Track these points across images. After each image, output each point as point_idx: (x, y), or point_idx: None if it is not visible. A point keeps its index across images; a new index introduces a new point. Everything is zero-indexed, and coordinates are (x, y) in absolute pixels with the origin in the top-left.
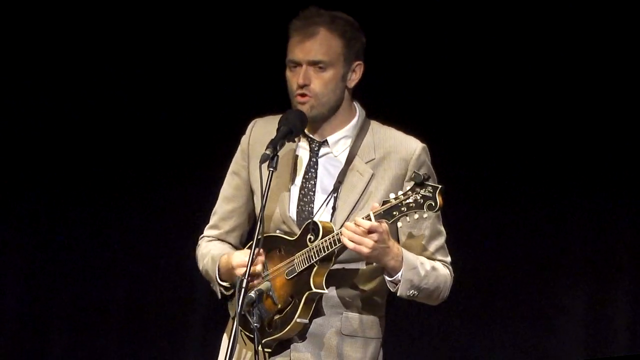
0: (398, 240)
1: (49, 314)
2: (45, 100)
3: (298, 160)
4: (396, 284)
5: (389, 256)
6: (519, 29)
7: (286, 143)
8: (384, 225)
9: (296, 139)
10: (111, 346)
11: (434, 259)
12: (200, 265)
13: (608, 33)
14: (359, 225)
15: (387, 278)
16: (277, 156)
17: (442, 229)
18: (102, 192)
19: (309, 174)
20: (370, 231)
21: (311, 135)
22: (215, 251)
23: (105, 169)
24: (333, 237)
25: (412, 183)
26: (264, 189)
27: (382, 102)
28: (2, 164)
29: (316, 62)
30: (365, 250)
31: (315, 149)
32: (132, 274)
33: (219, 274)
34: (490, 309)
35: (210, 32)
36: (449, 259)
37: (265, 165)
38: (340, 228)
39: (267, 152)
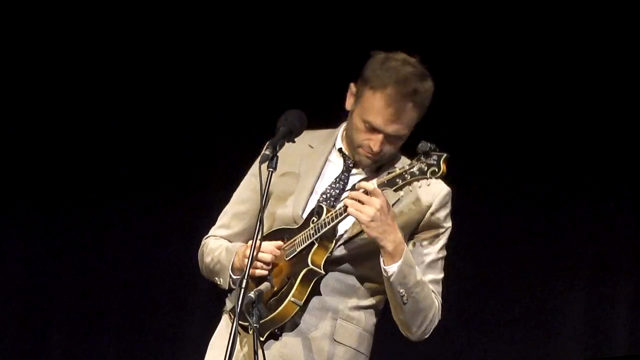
0: None
1: (49, 314)
2: (48, 101)
3: (327, 172)
4: (390, 273)
5: (390, 237)
6: (525, 37)
7: (286, 143)
8: (384, 198)
9: (334, 151)
10: (111, 346)
11: None
12: (209, 259)
13: (609, 33)
14: (360, 189)
15: (382, 265)
16: (277, 157)
17: (443, 269)
18: (101, 193)
19: (337, 184)
20: (372, 195)
21: (347, 154)
22: (230, 245)
23: (105, 171)
24: (335, 212)
25: (419, 153)
26: (263, 189)
27: None
28: (2, 165)
29: (399, 132)
30: (365, 217)
31: (350, 165)
32: (131, 275)
33: (232, 265)
34: (489, 309)
35: (218, 35)
36: (440, 297)
37: (264, 166)
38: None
39: (267, 152)
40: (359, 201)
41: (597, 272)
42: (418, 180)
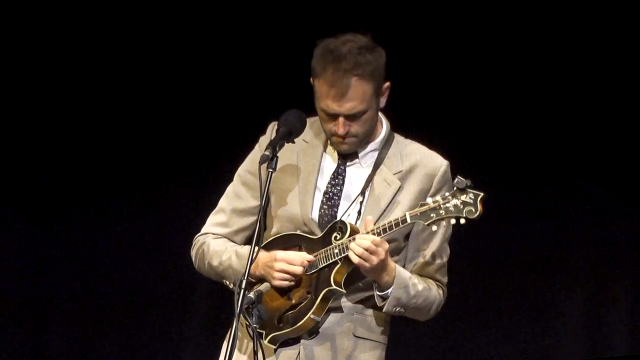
0: (403, 251)
1: (49, 314)
2: (47, 101)
3: (325, 167)
4: (384, 299)
5: (385, 272)
6: (523, 37)
7: (286, 144)
8: (386, 244)
9: (327, 144)
10: (110, 347)
11: (432, 278)
12: (216, 262)
13: (609, 33)
14: (367, 241)
15: (376, 292)
16: (277, 157)
17: (448, 250)
18: (102, 191)
19: (336, 180)
20: (377, 245)
21: None
22: (239, 249)
23: (105, 170)
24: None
25: (454, 188)
26: (263, 190)
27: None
28: (2, 162)
29: (354, 108)
30: (369, 266)
31: (344, 158)
32: (131, 275)
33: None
34: (489, 309)
35: (216, 32)
36: (446, 279)
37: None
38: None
39: (267, 153)
40: (365, 247)
41: (597, 272)
42: (453, 217)
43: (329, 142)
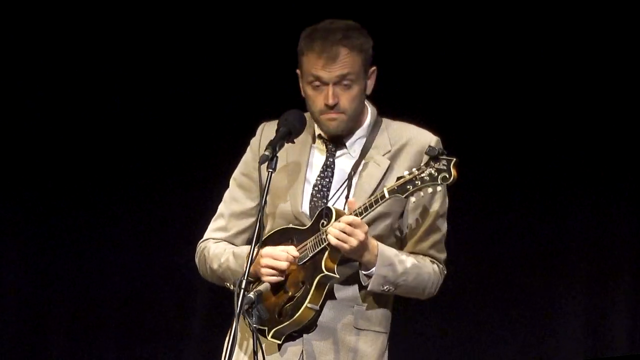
0: (399, 230)
1: (49, 315)
2: (49, 99)
3: (314, 160)
4: (369, 278)
5: (367, 251)
6: (519, 29)
7: (286, 144)
8: (365, 226)
9: (316, 138)
10: (110, 347)
11: (426, 254)
12: (215, 265)
13: (609, 33)
14: (342, 223)
15: (361, 272)
16: (277, 157)
17: (444, 225)
18: (102, 193)
19: (325, 172)
20: (354, 226)
21: (327, 137)
22: (236, 249)
23: (105, 171)
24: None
25: (427, 157)
26: (263, 190)
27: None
28: (2, 164)
29: (344, 75)
30: (347, 247)
31: (332, 149)
32: (132, 276)
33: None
34: (489, 309)
35: (214, 34)
36: (443, 256)
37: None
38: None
39: (267, 153)
40: (343, 231)
41: (596, 272)
42: (429, 186)
43: (316, 137)
